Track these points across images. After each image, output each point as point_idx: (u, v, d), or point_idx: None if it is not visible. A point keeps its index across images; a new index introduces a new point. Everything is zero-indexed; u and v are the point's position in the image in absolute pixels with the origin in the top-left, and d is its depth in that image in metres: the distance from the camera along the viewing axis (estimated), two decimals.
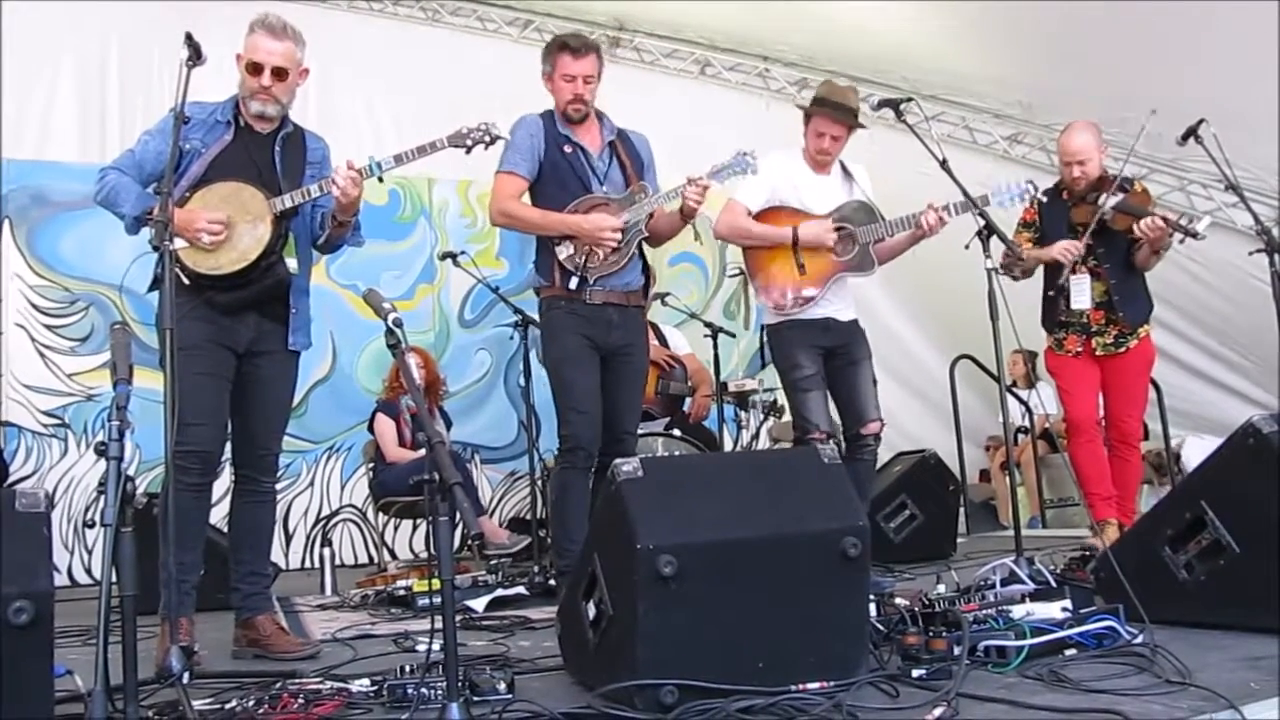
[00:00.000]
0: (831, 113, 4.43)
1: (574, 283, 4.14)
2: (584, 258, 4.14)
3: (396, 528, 6.89)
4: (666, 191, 4.23)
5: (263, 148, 3.65)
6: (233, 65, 3.64)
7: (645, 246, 4.39)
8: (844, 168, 4.60)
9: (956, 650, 2.70)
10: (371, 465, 6.34)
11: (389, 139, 6.88)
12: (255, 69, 3.57)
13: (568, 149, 4.25)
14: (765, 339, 4.72)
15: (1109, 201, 4.81)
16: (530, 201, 4.27)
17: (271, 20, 3.61)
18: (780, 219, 4.49)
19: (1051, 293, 5.06)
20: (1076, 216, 4.97)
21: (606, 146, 4.33)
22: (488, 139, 3.88)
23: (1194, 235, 4.62)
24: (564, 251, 4.16)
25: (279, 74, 3.59)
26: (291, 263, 3.65)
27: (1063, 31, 6.53)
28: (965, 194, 4.17)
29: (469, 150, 3.87)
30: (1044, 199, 4.71)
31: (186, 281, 3.45)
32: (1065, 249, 4.89)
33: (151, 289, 3.46)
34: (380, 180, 3.67)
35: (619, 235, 4.13)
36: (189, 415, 3.34)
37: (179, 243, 3.31)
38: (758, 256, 4.52)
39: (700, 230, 4.63)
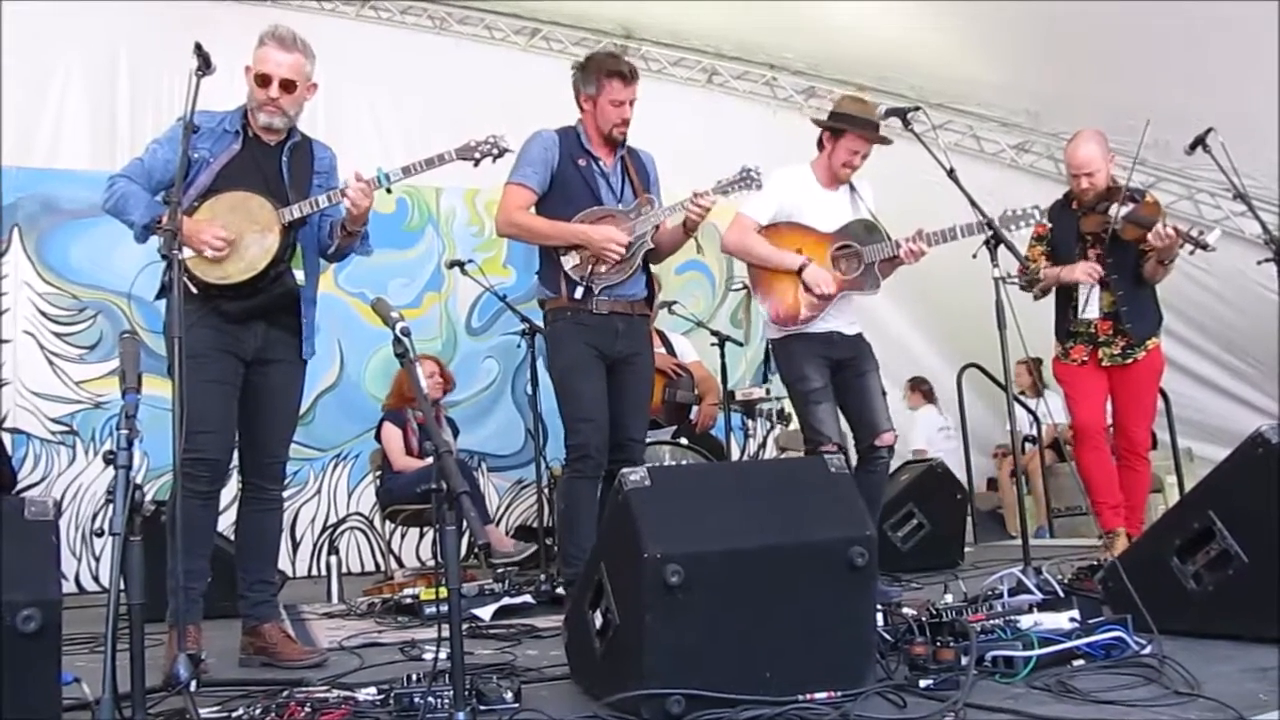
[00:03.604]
0: (868, 133, 4.41)
1: (579, 292, 4.15)
2: (590, 268, 4.14)
3: (403, 536, 6.91)
4: (671, 205, 4.23)
5: (270, 158, 3.66)
6: (242, 74, 3.65)
7: (649, 258, 4.41)
8: (850, 184, 4.59)
9: (964, 660, 2.69)
10: (379, 473, 6.34)
11: (396, 147, 6.90)
12: (264, 80, 3.58)
13: (582, 161, 4.25)
14: (770, 352, 4.70)
15: (1119, 212, 4.80)
16: (538, 213, 4.27)
17: (281, 32, 3.62)
18: (787, 235, 4.46)
19: (1063, 303, 5.06)
20: (1086, 226, 4.96)
21: (618, 161, 4.35)
22: (495, 151, 3.88)
23: (1204, 247, 4.61)
24: (569, 261, 4.17)
25: (287, 86, 3.59)
26: (299, 274, 3.66)
27: (1069, 39, 6.54)
28: (971, 201, 4.16)
29: (477, 163, 3.88)
30: (1046, 220, 4.67)
31: (195, 290, 3.46)
32: (1089, 271, 4.88)
33: (159, 296, 3.47)
34: (388, 191, 3.68)
35: (625, 249, 4.13)
36: (197, 423, 3.35)
37: (187, 252, 3.33)
38: (763, 272, 4.50)
39: (703, 243, 4.60)
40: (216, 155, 3.58)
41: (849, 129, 4.41)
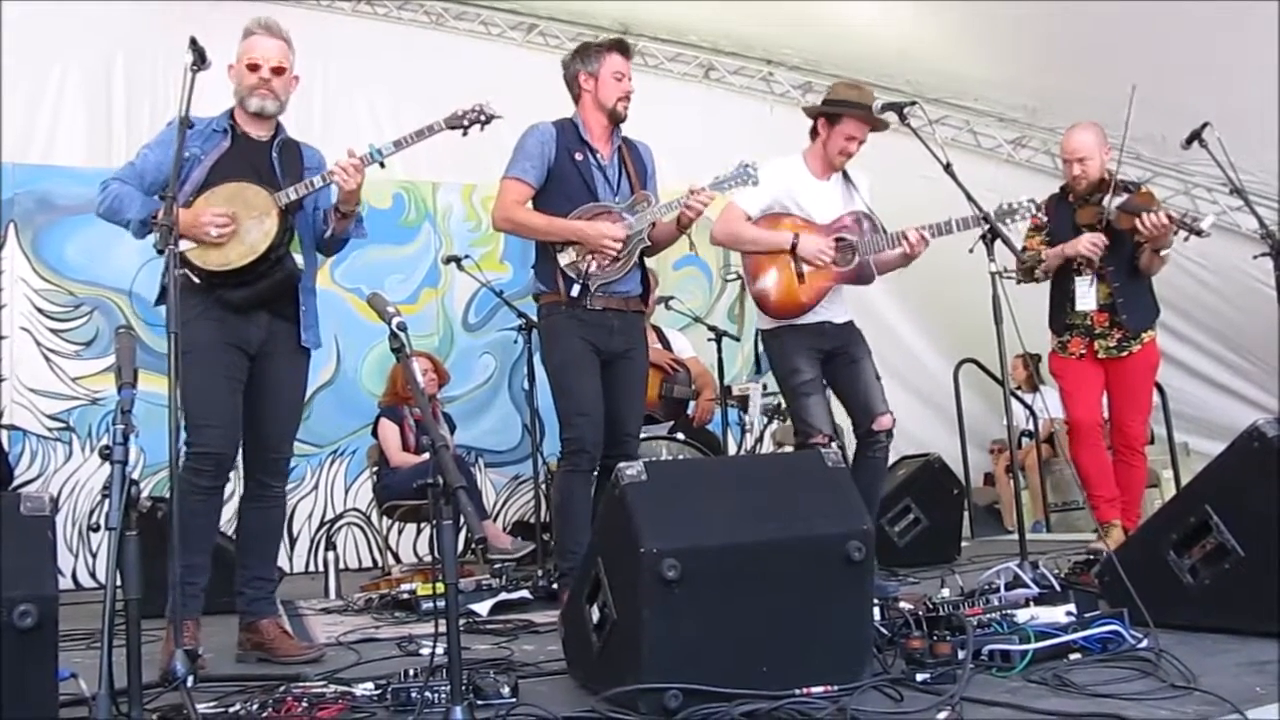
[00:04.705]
0: (865, 115, 4.38)
1: (575, 290, 4.13)
2: (586, 265, 4.13)
3: (400, 531, 6.91)
4: (668, 202, 4.22)
5: (261, 153, 3.68)
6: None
7: (643, 253, 4.40)
8: (845, 174, 4.58)
9: (961, 654, 2.69)
10: (375, 469, 6.34)
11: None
12: (255, 67, 3.62)
13: (579, 156, 4.23)
14: (761, 344, 4.69)
15: (1113, 202, 4.81)
16: (534, 207, 4.26)
17: (267, 21, 3.68)
18: (780, 225, 4.44)
19: (1058, 295, 5.06)
20: (1081, 218, 4.97)
21: (615, 153, 4.34)
22: (483, 118, 3.88)
23: (1198, 233, 4.61)
24: (565, 258, 4.15)
25: (277, 70, 3.65)
26: (298, 258, 3.68)
27: (1067, 35, 6.53)
28: (968, 196, 4.14)
29: (465, 131, 3.88)
30: (1042, 213, 4.66)
31: (197, 281, 3.47)
32: (1092, 243, 4.86)
33: (159, 302, 3.47)
34: (382, 166, 3.70)
35: (621, 244, 4.12)
36: (202, 417, 3.38)
37: (185, 244, 3.35)
38: (757, 262, 4.48)
39: (696, 240, 4.60)
40: (208, 153, 3.60)
41: (846, 113, 4.40)
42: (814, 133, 4.53)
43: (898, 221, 4.50)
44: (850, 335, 4.54)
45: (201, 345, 3.40)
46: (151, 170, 3.56)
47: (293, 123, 3.81)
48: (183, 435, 2.88)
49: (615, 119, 4.30)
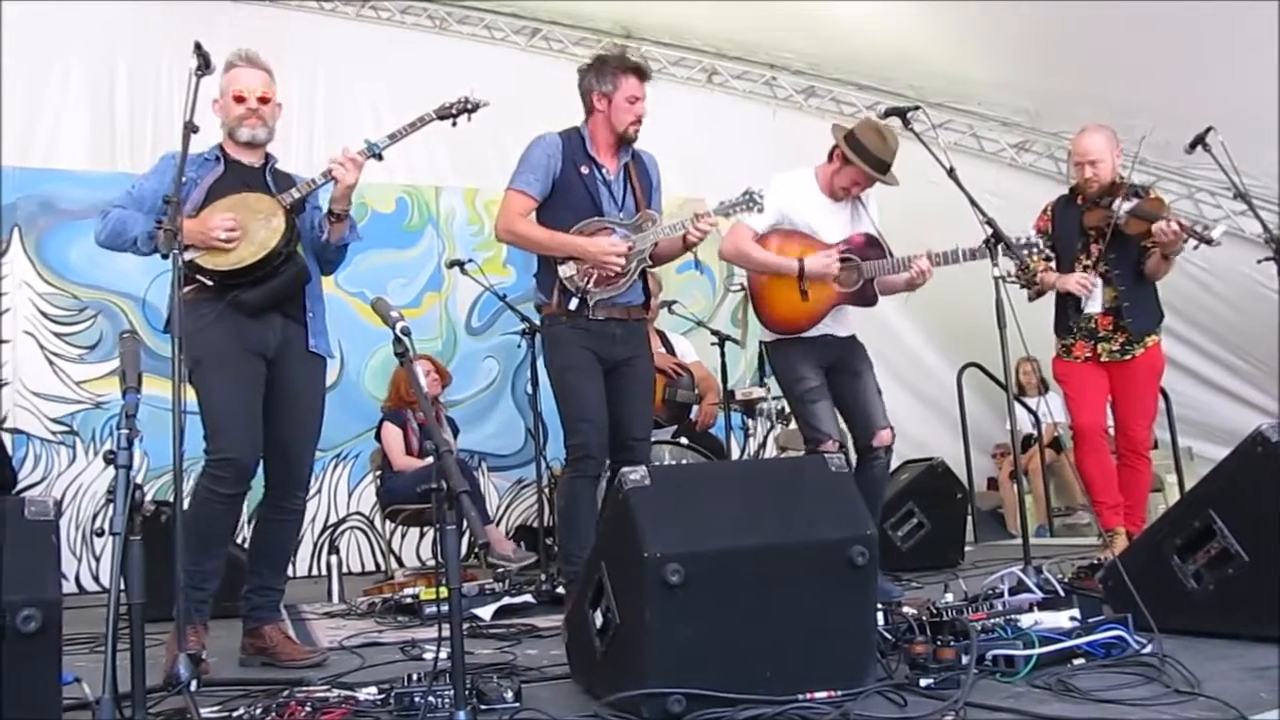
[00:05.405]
0: (875, 174, 4.34)
1: (574, 304, 4.11)
2: (586, 280, 4.11)
3: (404, 535, 6.91)
4: (672, 224, 4.18)
5: (255, 176, 3.73)
6: None
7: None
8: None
9: (964, 659, 2.70)
10: (379, 473, 6.35)
11: (396, 146, 6.88)
12: (241, 98, 3.67)
13: (584, 169, 4.19)
14: (764, 355, 4.69)
15: (1123, 206, 4.80)
16: (537, 218, 4.23)
17: (248, 53, 3.74)
18: (787, 243, 4.44)
19: (1063, 297, 5.06)
20: (1089, 221, 4.96)
21: (621, 168, 4.30)
22: (470, 107, 3.97)
23: (1209, 241, 4.60)
24: (566, 271, 4.12)
25: (263, 100, 3.71)
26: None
27: (1070, 38, 6.54)
28: (971, 200, 4.14)
29: (454, 122, 3.96)
30: (1043, 253, 4.66)
31: (210, 284, 3.48)
32: (1081, 283, 4.87)
33: (168, 329, 3.47)
34: (379, 158, 3.76)
35: (623, 262, 4.11)
36: (223, 423, 3.38)
37: (193, 253, 3.39)
38: (761, 278, 4.49)
39: (701, 256, 4.60)
40: (203, 178, 3.63)
41: (858, 164, 4.35)
42: (831, 154, 4.49)
43: (901, 225, 4.49)
44: (853, 349, 4.54)
45: (219, 351, 3.43)
46: (149, 197, 3.58)
47: (295, 124, 3.85)
48: (186, 439, 2.87)
49: (625, 141, 4.26)
